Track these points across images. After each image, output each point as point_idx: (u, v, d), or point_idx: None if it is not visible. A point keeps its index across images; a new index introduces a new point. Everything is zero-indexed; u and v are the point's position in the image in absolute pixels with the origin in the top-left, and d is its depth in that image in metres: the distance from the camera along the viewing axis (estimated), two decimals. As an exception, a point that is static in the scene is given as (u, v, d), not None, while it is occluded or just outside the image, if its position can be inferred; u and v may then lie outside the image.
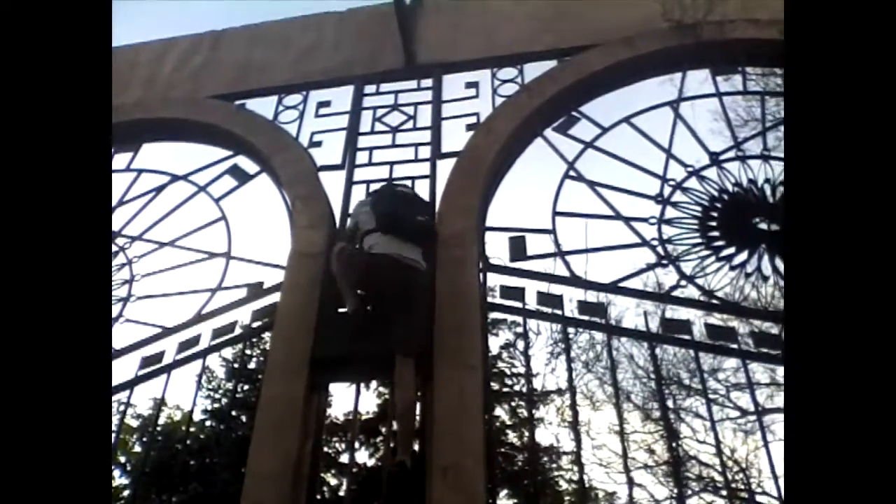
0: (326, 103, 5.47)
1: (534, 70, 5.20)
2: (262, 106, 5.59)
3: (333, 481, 12.15)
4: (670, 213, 4.32)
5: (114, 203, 5.36)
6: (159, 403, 5.33)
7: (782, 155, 4.39)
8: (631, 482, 6.37)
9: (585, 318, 3.98)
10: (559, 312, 3.94)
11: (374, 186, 4.73)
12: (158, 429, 11.26)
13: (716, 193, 4.35)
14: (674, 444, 9.57)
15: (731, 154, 4.48)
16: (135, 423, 13.44)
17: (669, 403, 10.40)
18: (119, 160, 5.67)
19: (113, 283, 4.90)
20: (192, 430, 12.05)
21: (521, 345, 12.16)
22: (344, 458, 12.18)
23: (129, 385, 4.27)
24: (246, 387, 12.21)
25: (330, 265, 4.02)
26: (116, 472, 12.90)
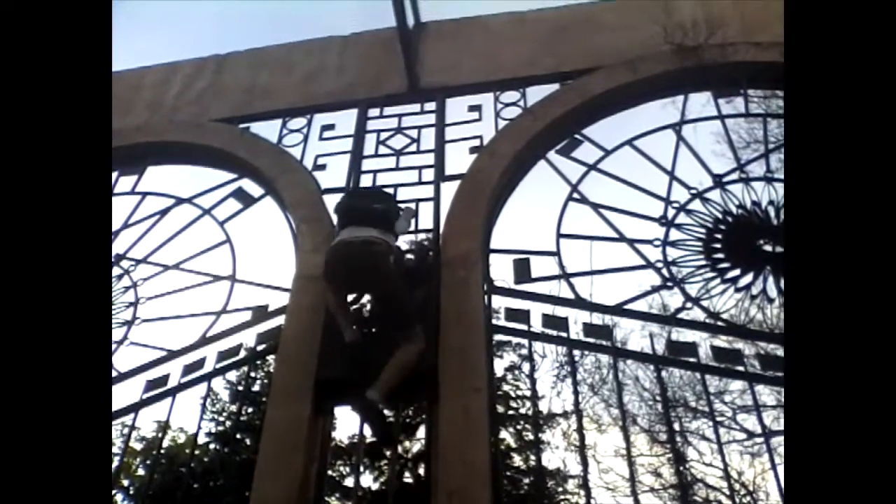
0: (330, 126, 5.49)
1: (536, 93, 5.23)
2: (267, 129, 5.62)
3: (338, 505, 12.08)
4: (674, 235, 4.32)
5: (118, 226, 5.39)
6: (164, 427, 5.31)
7: (785, 176, 4.40)
8: (637, 506, 6.31)
9: (591, 340, 3.97)
10: (564, 335, 3.92)
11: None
12: (162, 452, 11.21)
13: (720, 215, 4.35)
14: (681, 468, 9.50)
15: (734, 176, 4.50)
16: (138, 447, 13.40)
17: (675, 426, 10.33)
18: (124, 183, 5.70)
19: (118, 306, 4.90)
20: (196, 453, 12.00)
21: (526, 367, 12.13)
22: (349, 482, 12.10)
23: (134, 408, 4.26)
24: (250, 409, 12.18)
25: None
26: (119, 496, 12.86)
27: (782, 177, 4.40)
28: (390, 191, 4.72)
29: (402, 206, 4.53)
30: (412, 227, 4.52)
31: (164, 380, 4.30)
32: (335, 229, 4.36)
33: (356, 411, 3.67)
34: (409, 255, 4.64)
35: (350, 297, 4.16)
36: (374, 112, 5.48)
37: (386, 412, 3.73)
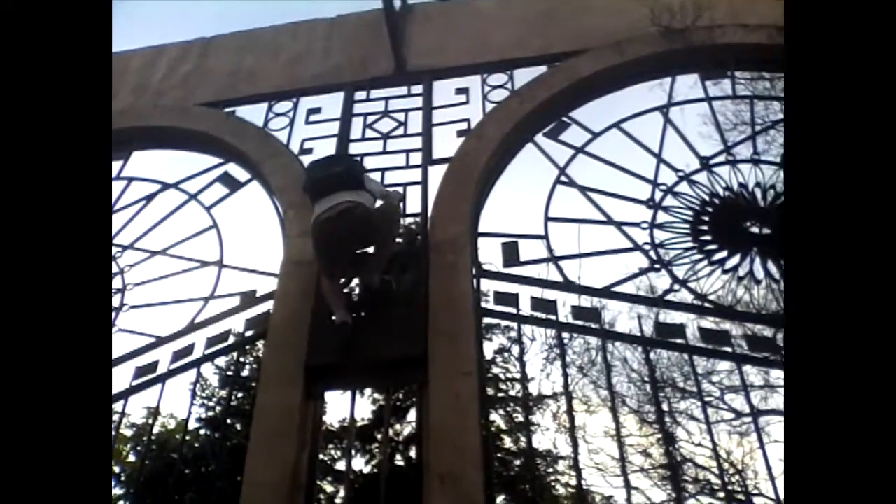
0: (317, 110, 5.46)
1: (524, 76, 5.21)
2: (253, 113, 5.59)
3: (330, 489, 12.11)
4: (662, 217, 4.34)
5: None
6: (154, 413, 5.30)
7: (772, 159, 4.42)
8: (628, 486, 6.36)
9: (580, 323, 3.98)
10: (553, 318, 3.94)
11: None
12: (152, 438, 11.19)
13: (707, 198, 4.37)
14: (670, 448, 9.57)
15: (721, 158, 4.51)
16: (128, 433, 13.38)
17: (664, 407, 10.40)
18: (109, 169, 5.66)
19: (105, 293, 4.88)
20: (186, 438, 11.99)
21: (515, 350, 12.18)
22: (340, 466, 12.15)
23: (124, 395, 4.25)
24: (240, 394, 12.17)
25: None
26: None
27: (769, 159, 4.42)
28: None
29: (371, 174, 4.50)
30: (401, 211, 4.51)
31: (153, 366, 4.29)
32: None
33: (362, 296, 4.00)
34: (398, 240, 4.63)
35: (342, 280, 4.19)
36: (360, 95, 5.45)
37: (376, 396, 3.73)
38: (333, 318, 3.88)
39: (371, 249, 4.20)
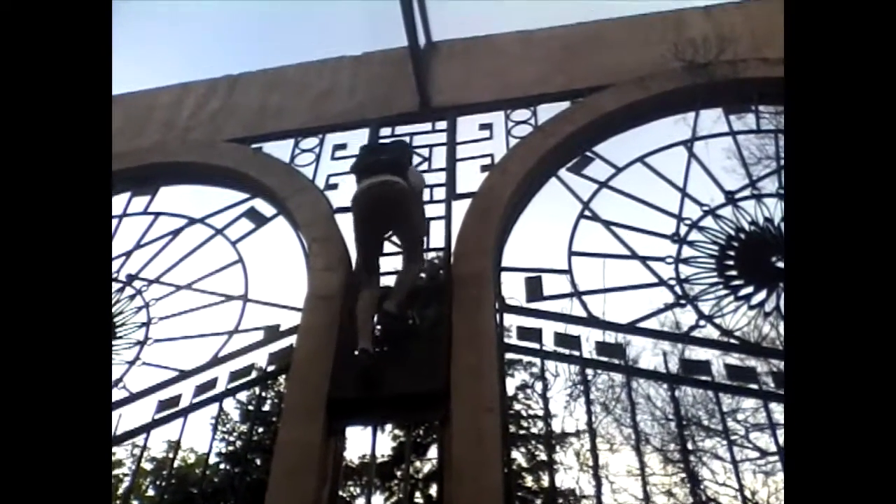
0: (342, 146, 5.51)
1: (547, 111, 5.24)
2: (279, 149, 5.64)
3: (350, 526, 12.01)
4: (687, 252, 4.30)
5: (131, 246, 5.41)
6: (175, 447, 5.30)
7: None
8: (652, 526, 6.24)
9: (604, 359, 3.94)
10: (577, 353, 3.90)
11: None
12: (172, 472, 11.18)
13: (732, 232, 4.33)
14: (695, 488, 9.40)
15: (746, 193, 4.48)
16: (148, 467, 13.37)
17: (689, 445, 10.24)
18: (136, 203, 5.73)
19: (130, 326, 4.91)
20: (206, 473, 11.96)
21: (538, 386, 12.07)
22: (360, 503, 12.04)
23: (146, 429, 4.25)
24: (260, 429, 12.15)
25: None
26: (131, 517, 12.79)
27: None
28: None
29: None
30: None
31: (175, 400, 4.28)
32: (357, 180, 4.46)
33: (379, 324, 4.06)
34: (422, 274, 4.63)
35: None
36: (385, 131, 5.49)
37: (396, 432, 3.71)
38: (356, 351, 3.87)
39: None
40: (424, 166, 5.15)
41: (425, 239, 4.55)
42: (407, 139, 5.36)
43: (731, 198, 4.46)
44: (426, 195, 4.87)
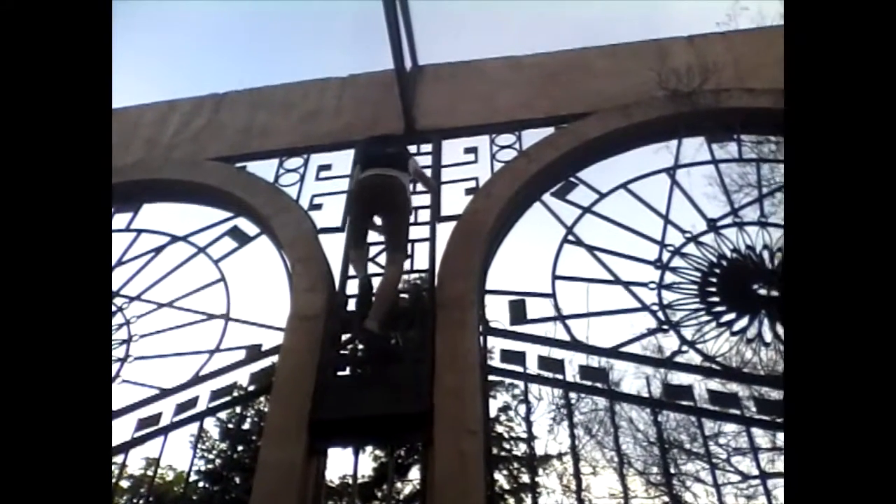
0: (327, 167, 5.53)
1: (532, 136, 5.29)
2: (264, 169, 5.64)
3: (329, 547, 11.87)
4: (669, 277, 4.34)
5: (113, 263, 5.37)
6: (155, 466, 5.24)
7: (779, 221, 4.44)
8: (633, 550, 6.23)
9: (587, 383, 3.96)
10: (560, 377, 3.91)
11: (373, 250, 4.76)
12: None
13: (714, 259, 4.38)
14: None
15: (728, 220, 4.53)
16: (125, 484, 13.17)
17: (671, 469, 10.25)
18: (119, 220, 5.68)
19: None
20: (185, 491, 11.81)
21: (521, 409, 12.06)
22: (340, 524, 11.91)
23: (125, 448, 4.20)
24: (240, 447, 12.03)
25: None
26: (105, 537, 12.57)
27: (776, 221, 4.44)
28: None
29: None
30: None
31: (156, 418, 4.25)
32: (357, 172, 4.78)
33: (360, 342, 4.16)
34: (404, 295, 4.64)
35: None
36: (370, 153, 5.50)
37: (377, 453, 3.70)
38: (340, 373, 3.86)
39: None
40: (409, 188, 5.16)
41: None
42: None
43: (713, 225, 4.51)
44: (411, 217, 4.88)
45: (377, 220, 4.67)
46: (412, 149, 5.41)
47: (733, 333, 4.08)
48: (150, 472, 11.80)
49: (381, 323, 4.07)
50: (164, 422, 4.23)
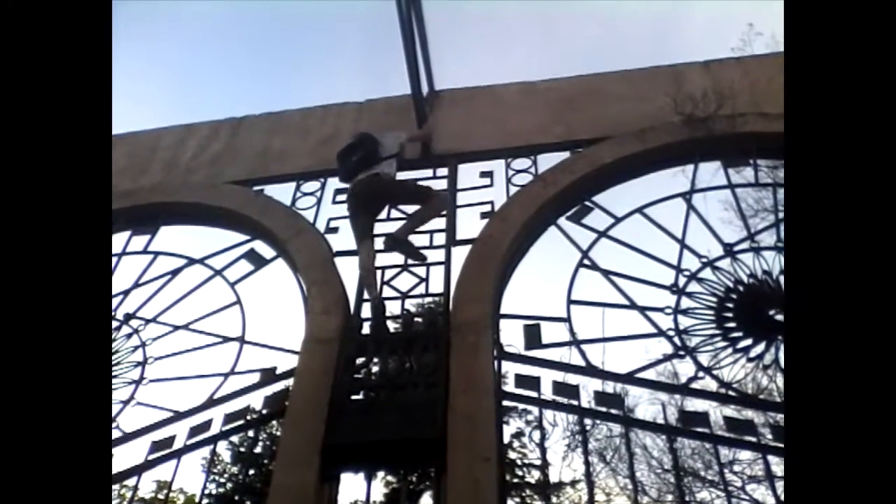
0: (344, 190, 5.53)
1: (547, 161, 5.30)
2: (281, 192, 5.68)
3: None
4: (686, 303, 4.31)
5: (129, 285, 5.40)
6: (167, 490, 5.23)
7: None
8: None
9: (602, 409, 3.92)
10: (575, 403, 3.88)
11: (389, 273, 4.77)
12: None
13: (731, 284, 4.35)
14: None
15: (745, 245, 4.51)
16: (136, 508, 13.14)
17: (686, 496, 10.13)
18: (136, 242, 5.73)
19: (126, 366, 4.88)
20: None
21: (535, 435, 11.96)
22: (351, 549, 11.81)
23: (138, 471, 4.18)
24: (252, 471, 11.99)
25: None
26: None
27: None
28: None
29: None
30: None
31: (169, 441, 4.24)
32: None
33: (386, 248, 4.68)
34: (418, 319, 4.64)
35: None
36: (387, 176, 5.53)
37: (389, 479, 3.67)
38: (354, 396, 3.85)
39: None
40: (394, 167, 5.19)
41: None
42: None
43: (729, 250, 4.48)
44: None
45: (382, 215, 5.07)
46: (428, 172, 5.44)
47: (749, 359, 4.04)
48: (161, 496, 11.81)
49: (406, 234, 4.66)
50: (177, 445, 4.21)
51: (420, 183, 5.24)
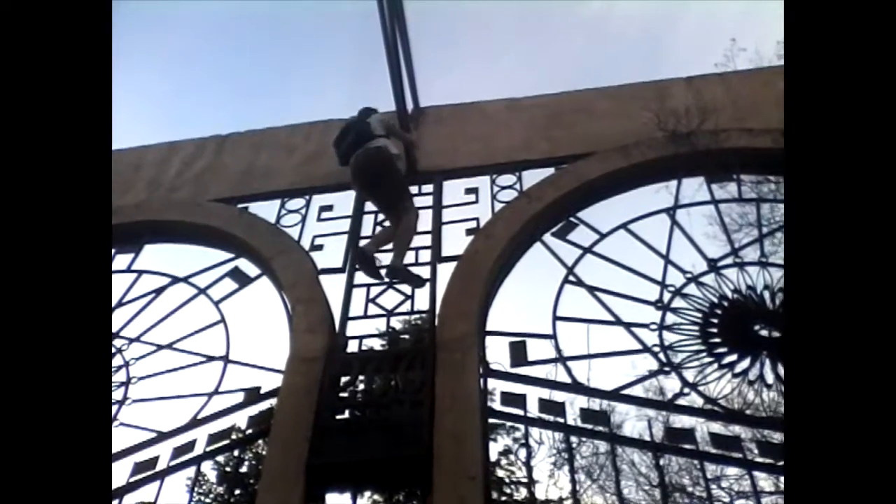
0: (329, 207, 5.54)
1: (532, 177, 5.31)
2: (265, 210, 5.66)
3: None
4: (671, 318, 4.32)
5: (113, 304, 5.35)
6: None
7: (780, 261, 4.43)
8: None
9: (589, 426, 3.91)
10: (562, 420, 3.87)
11: (374, 290, 4.75)
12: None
13: (715, 300, 4.36)
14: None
15: (729, 260, 4.53)
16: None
17: (673, 513, 10.11)
18: (120, 261, 5.67)
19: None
20: (179, 538, 11.61)
21: (522, 453, 11.91)
22: (337, 570, 11.69)
23: (120, 493, 4.12)
24: (238, 491, 11.85)
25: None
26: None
27: (777, 261, 4.44)
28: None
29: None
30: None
31: (153, 462, 4.18)
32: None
33: (388, 277, 4.77)
34: (404, 336, 4.62)
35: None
36: (371, 194, 5.52)
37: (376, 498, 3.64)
38: (339, 416, 3.82)
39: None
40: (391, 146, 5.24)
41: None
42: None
43: (713, 265, 4.50)
44: (411, 257, 4.89)
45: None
46: (413, 189, 5.44)
47: (735, 375, 4.04)
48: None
49: (402, 258, 4.72)
50: (160, 466, 4.16)
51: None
